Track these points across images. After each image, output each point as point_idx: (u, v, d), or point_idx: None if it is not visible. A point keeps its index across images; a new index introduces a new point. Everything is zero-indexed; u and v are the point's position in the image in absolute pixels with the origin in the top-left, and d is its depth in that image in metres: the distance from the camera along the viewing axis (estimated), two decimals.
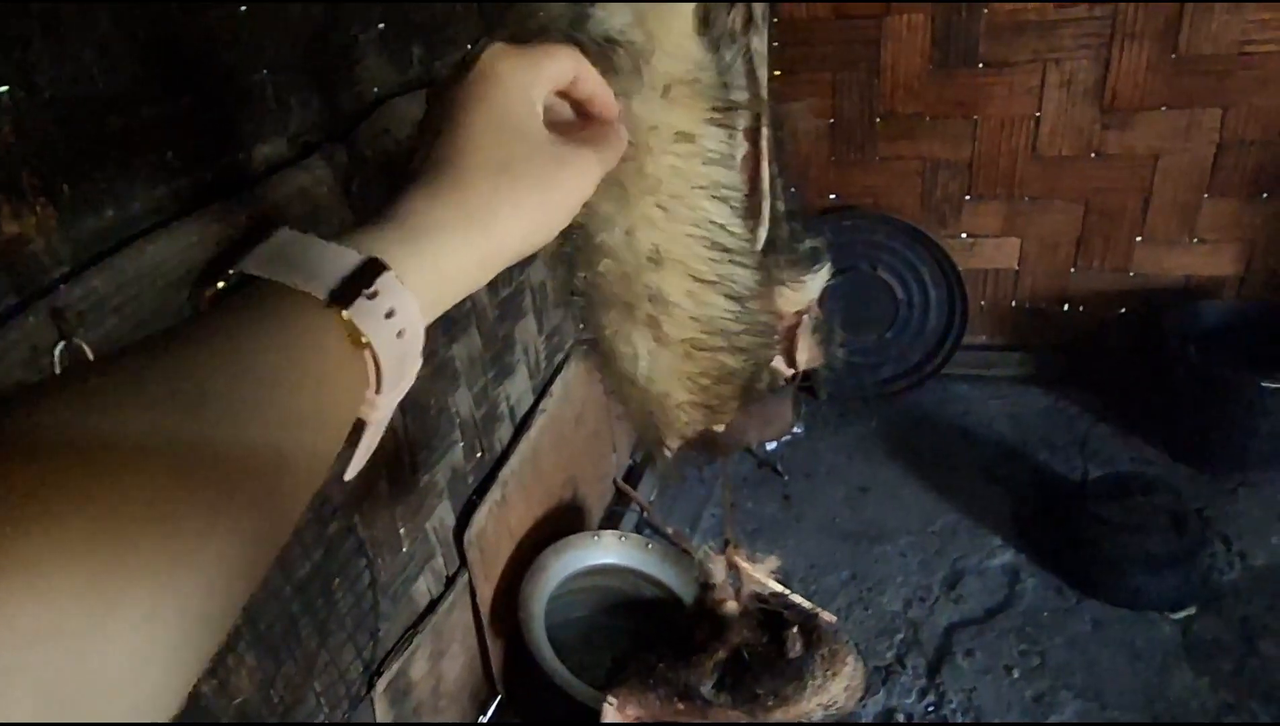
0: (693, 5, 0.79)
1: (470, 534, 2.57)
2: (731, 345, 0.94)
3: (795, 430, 4.08)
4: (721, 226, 0.84)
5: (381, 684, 2.24)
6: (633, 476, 3.75)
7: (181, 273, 1.57)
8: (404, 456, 2.30)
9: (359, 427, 0.58)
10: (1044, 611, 3.11)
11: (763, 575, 1.61)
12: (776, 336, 1.09)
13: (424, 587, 2.46)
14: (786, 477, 3.85)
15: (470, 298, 2.16)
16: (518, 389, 2.91)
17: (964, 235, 3.98)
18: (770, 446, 3.99)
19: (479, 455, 2.71)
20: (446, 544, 2.55)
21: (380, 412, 0.56)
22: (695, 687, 1.38)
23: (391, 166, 2.15)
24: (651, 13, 0.75)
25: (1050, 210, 3.85)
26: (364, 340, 0.50)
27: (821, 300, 1.20)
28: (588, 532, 2.96)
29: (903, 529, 3.52)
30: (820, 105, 3.85)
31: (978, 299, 4.11)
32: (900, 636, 3.07)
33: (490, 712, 2.83)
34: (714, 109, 0.79)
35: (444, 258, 0.57)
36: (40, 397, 0.39)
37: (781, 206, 1.10)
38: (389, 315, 0.51)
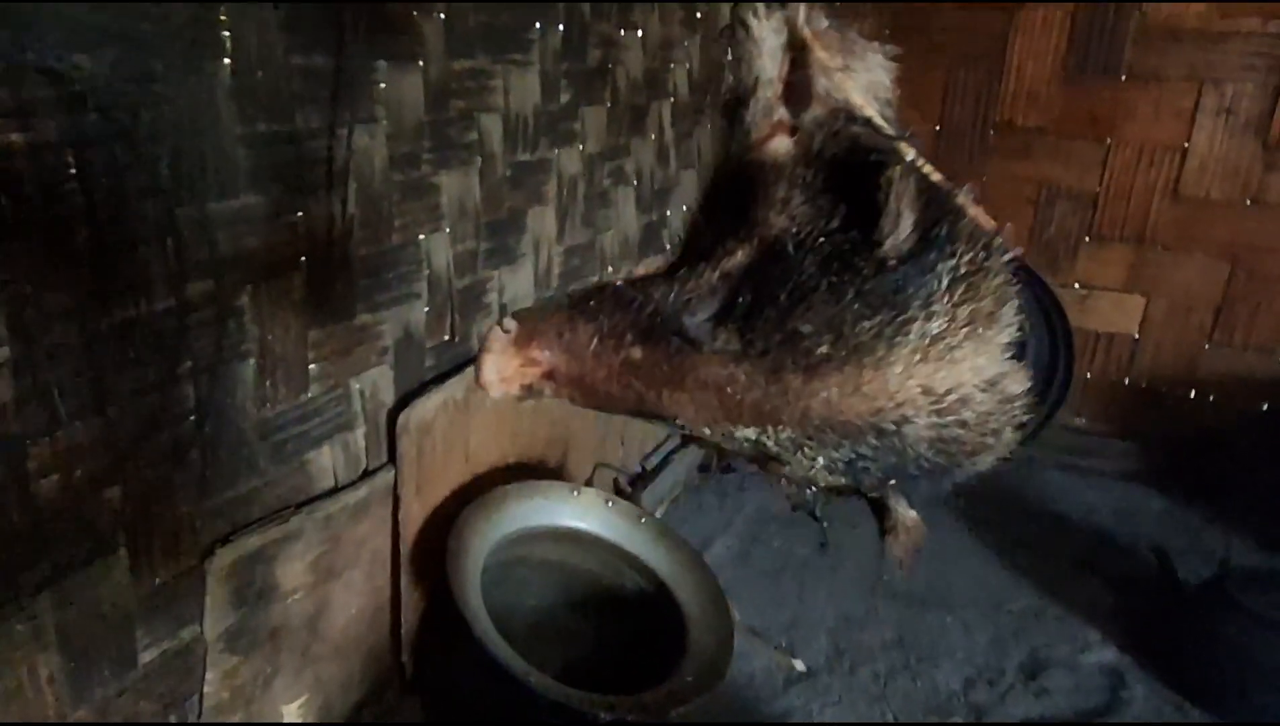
0: None
1: (409, 418, 1.91)
2: None
3: None
4: None
5: (222, 558, 1.55)
6: (637, 484, 3.04)
7: None
8: (338, 249, 1.70)
9: None
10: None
11: (866, 68, 0.93)
12: None
13: (327, 461, 1.79)
14: (825, 524, 3.08)
15: (479, 129, 1.55)
16: (517, 286, 2.30)
17: (1077, 285, 3.36)
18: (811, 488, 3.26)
19: (446, 338, 2.08)
20: (375, 422, 1.90)
21: None
22: (670, 315, 0.71)
23: None
24: None
25: (1187, 266, 3.22)
26: None
27: None
28: (565, 484, 2.26)
29: (968, 600, 2.74)
30: (928, 109, 3.36)
31: (1084, 368, 3.43)
32: (957, 719, 2.25)
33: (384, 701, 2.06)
34: None
35: None
36: None
37: None
38: None
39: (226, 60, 1.41)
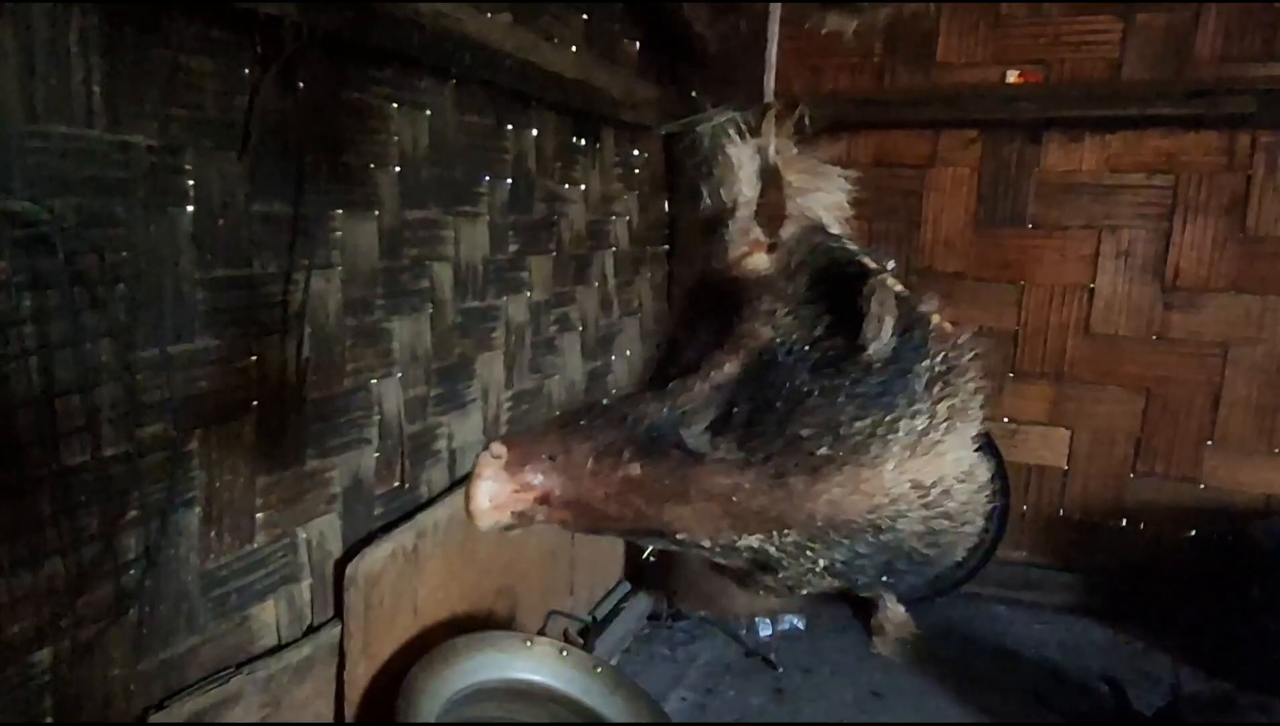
0: None
1: (358, 569, 1.84)
2: None
3: (795, 622, 3.29)
4: None
5: (158, 720, 1.43)
6: (588, 635, 2.94)
7: None
8: (291, 393, 1.67)
9: None
10: None
11: (830, 190, 0.95)
12: None
13: (270, 616, 1.69)
14: (780, 670, 3.02)
15: (431, 277, 1.69)
16: (465, 433, 2.28)
17: (1005, 419, 3.48)
18: (763, 633, 3.20)
19: (397, 484, 2.04)
20: (321, 573, 1.81)
21: None
22: (667, 429, 0.69)
23: None
24: None
25: (1105, 399, 3.38)
26: None
27: None
28: (517, 634, 2.17)
29: None
30: None
31: (1020, 501, 3.52)
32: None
33: None
34: None
35: None
36: None
37: None
38: None
39: (190, 207, 1.43)
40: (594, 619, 3.00)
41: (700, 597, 3.01)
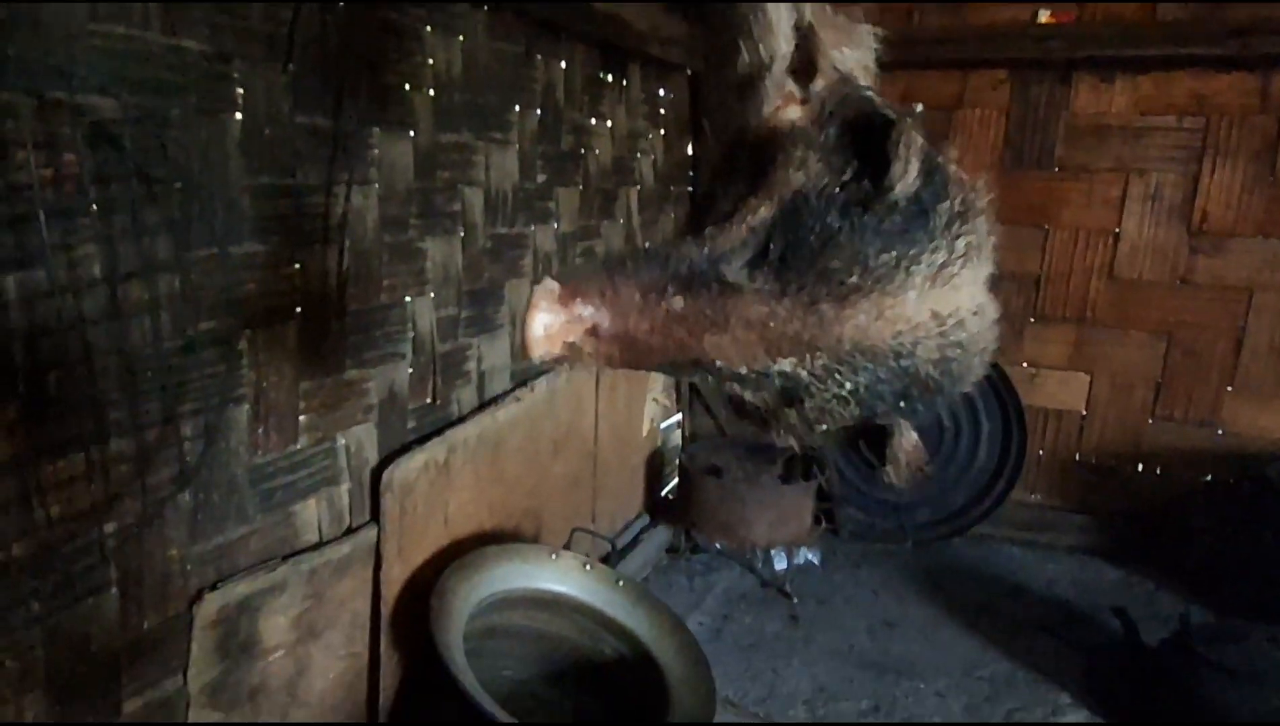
0: None
1: (393, 475, 1.92)
2: None
3: (810, 558, 3.37)
4: None
5: (210, 604, 1.53)
6: (609, 561, 3.03)
7: None
8: (332, 302, 1.74)
9: None
10: None
11: (859, 46, 1.02)
12: None
13: (313, 515, 1.78)
14: (796, 599, 3.10)
15: (463, 200, 1.72)
16: (494, 357, 2.35)
17: (1025, 364, 3.51)
18: (779, 565, 3.28)
19: (429, 401, 2.12)
20: (359, 479, 1.90)
21: None
22: (707, 267, 0.76)
23: None
24: None
25: (1126, 343, 3.40)
26: None
27: None
28: (544, 546, 2.26)
29: (939, 669, 2.75)
30: None
31: (1036, 445, 3.55)
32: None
33: None
34: None
35: None
36: None
37: None
38: None
39: (238, 114, 1.49)
40: (614, 546, 3.10)
41: (717, 530, 3.08)
